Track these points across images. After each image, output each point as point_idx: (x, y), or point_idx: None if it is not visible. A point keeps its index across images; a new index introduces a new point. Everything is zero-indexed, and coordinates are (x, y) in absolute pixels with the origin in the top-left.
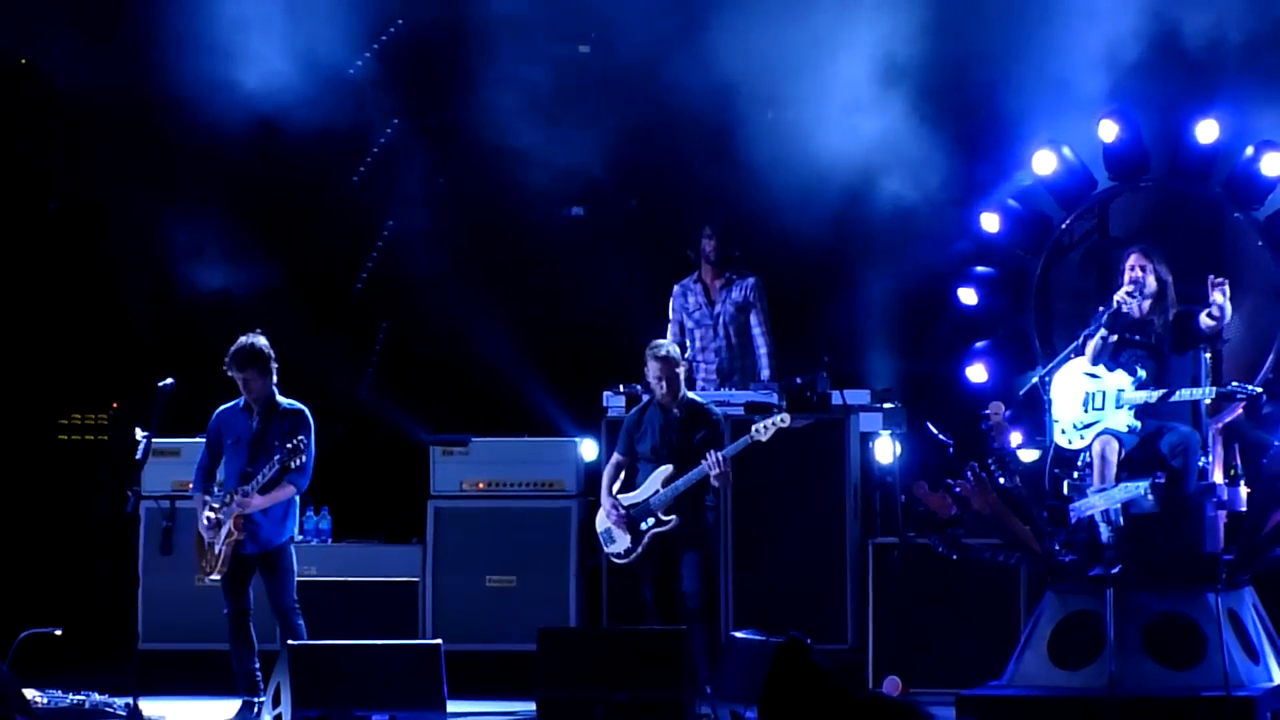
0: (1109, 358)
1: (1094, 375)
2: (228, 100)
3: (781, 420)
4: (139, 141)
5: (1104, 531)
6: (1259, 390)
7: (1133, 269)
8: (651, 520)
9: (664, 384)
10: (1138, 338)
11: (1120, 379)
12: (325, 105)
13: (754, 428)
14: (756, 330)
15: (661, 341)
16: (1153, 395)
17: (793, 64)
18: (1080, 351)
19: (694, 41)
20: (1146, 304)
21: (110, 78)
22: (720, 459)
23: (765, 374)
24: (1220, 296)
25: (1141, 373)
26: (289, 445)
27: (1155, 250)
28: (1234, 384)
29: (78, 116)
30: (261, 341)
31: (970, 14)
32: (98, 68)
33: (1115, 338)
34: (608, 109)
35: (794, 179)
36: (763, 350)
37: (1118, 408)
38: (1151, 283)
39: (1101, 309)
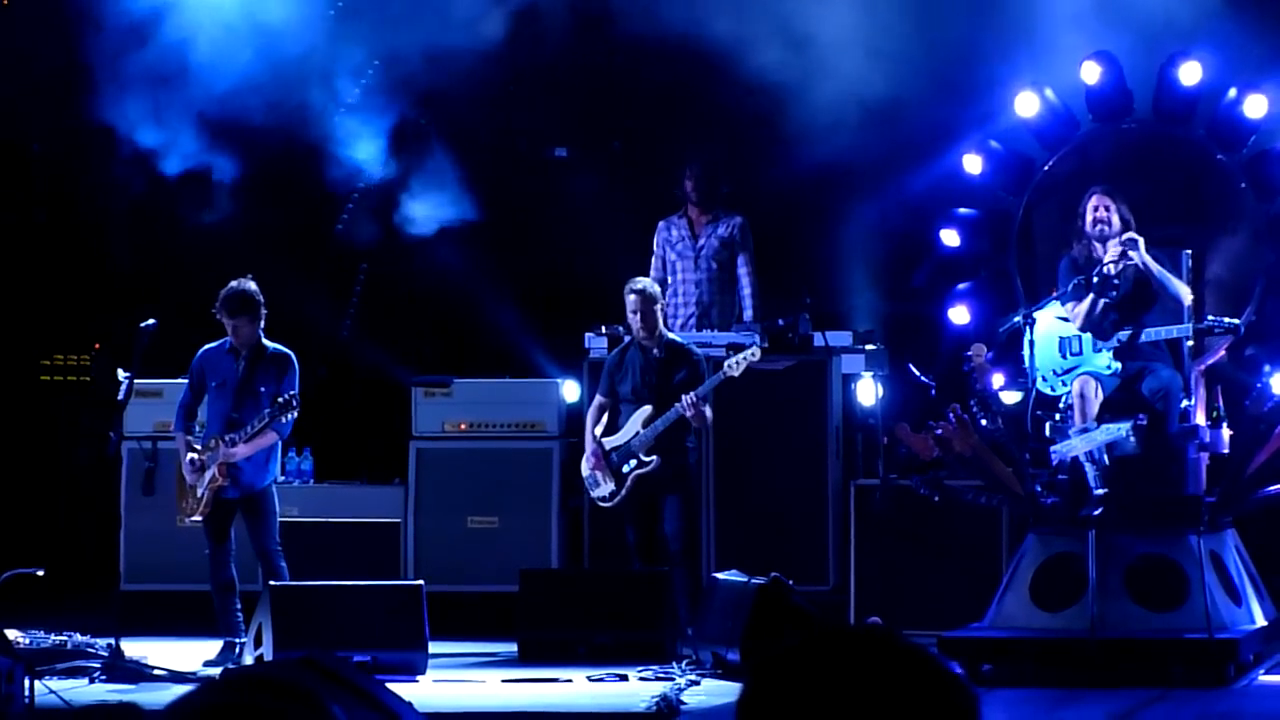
0: (1094, 326)
1: (1068, 319)
2: (208, 38)
3: (752, 355)
4: (123, 80)
5: (1090, 472)
6: (1236, 322)
7: (1096, 209)
8: (633, 462)
9: (639, 318)
10: (1115, 280)
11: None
12: (302, 45)
13: (726, 364)
14: (742, 270)
15: (640, 278)
16: (1123, 334)
17: (776, 6)
18: (1056, 301)
19: None
20: (1111, 244)
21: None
22: (694, 399)
23: (748, 314)
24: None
25: (1123, 333)
26: (280, 400)
27: (1116, 190)
28: (1211, 318)
29: (58, 56)
30: (252, 287)
31: None
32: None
33: (1104, 302)
34: (591, 48)
35: (776, 120)
36: (746, 290)
37: (1095, 351)
38: (1116, 222)
39: (1063, 259)
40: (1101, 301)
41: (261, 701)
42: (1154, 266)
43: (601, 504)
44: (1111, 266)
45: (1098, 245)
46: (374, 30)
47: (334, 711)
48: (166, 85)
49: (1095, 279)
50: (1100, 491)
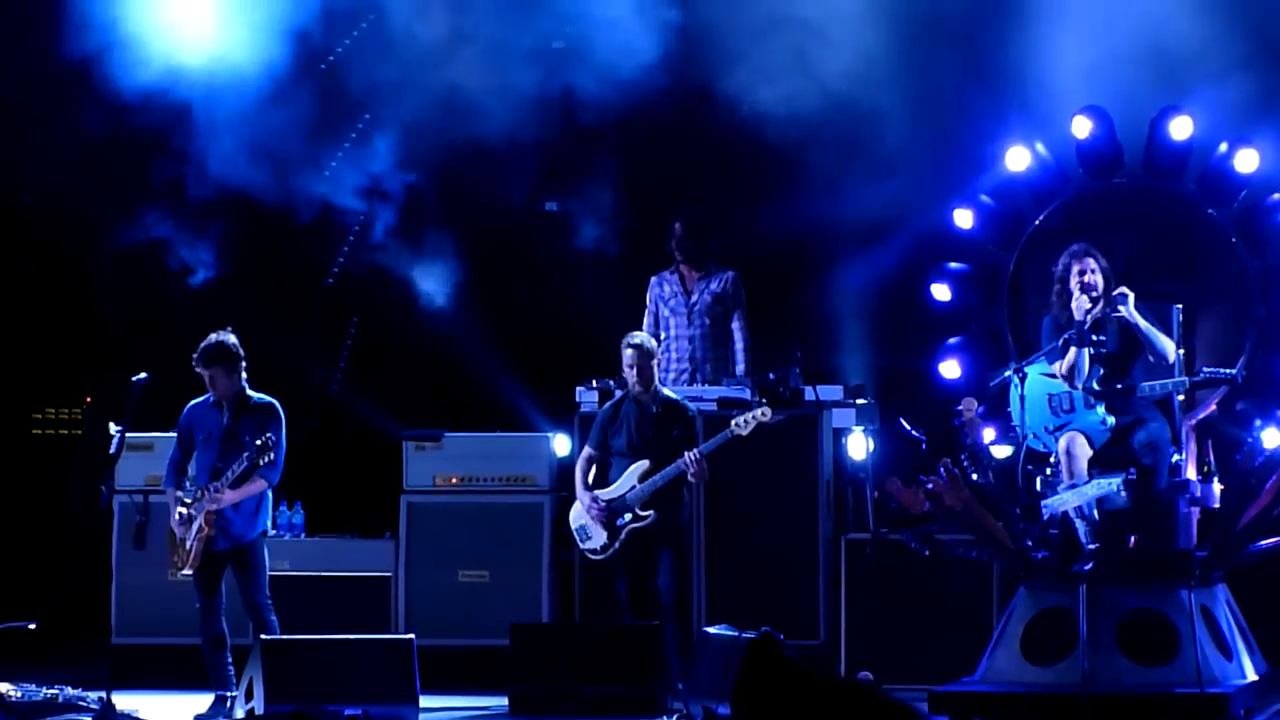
0: (1085, 379)
1: (1054, 376)
2: (193, 89)
3: (762, 414)
4: (108, 138)
5: (1080, 528)
6: (1233, 372)
7: (1082, 274)
8: (629, 516)
9: (635, 372)
10: (1097, 336)
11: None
12: (296, 91)
13: (734, 422)
14: (736, 325)
15: (637, 332)
16: (1112, 390)
17: (766, 58)
18: (1050, 361)
19: (668, 35)
20: (1083, 299)
21: (75, 70)
22: (697, 456)
23: (741, 368)
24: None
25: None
26: (259, 442)
27: (1093, 248)
28: (1206, 370)
29: (46, 111)
30: (230, 339)
31: (943, 10)
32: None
33: (1089, 353)
34: (582, 104)
35: (769, 174)
36: (740, 345)
37: (1088, 409)
38: (1100, 283)
39: (1046, 320)
40: (1086, 352)
41: None
42: (1141, 322)
43: (592, 556)
44: (1089, 319)
45: (1079, 302)
46: (365, 81)
47: None
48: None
49: (1075, 334)
50: (1091, 546)
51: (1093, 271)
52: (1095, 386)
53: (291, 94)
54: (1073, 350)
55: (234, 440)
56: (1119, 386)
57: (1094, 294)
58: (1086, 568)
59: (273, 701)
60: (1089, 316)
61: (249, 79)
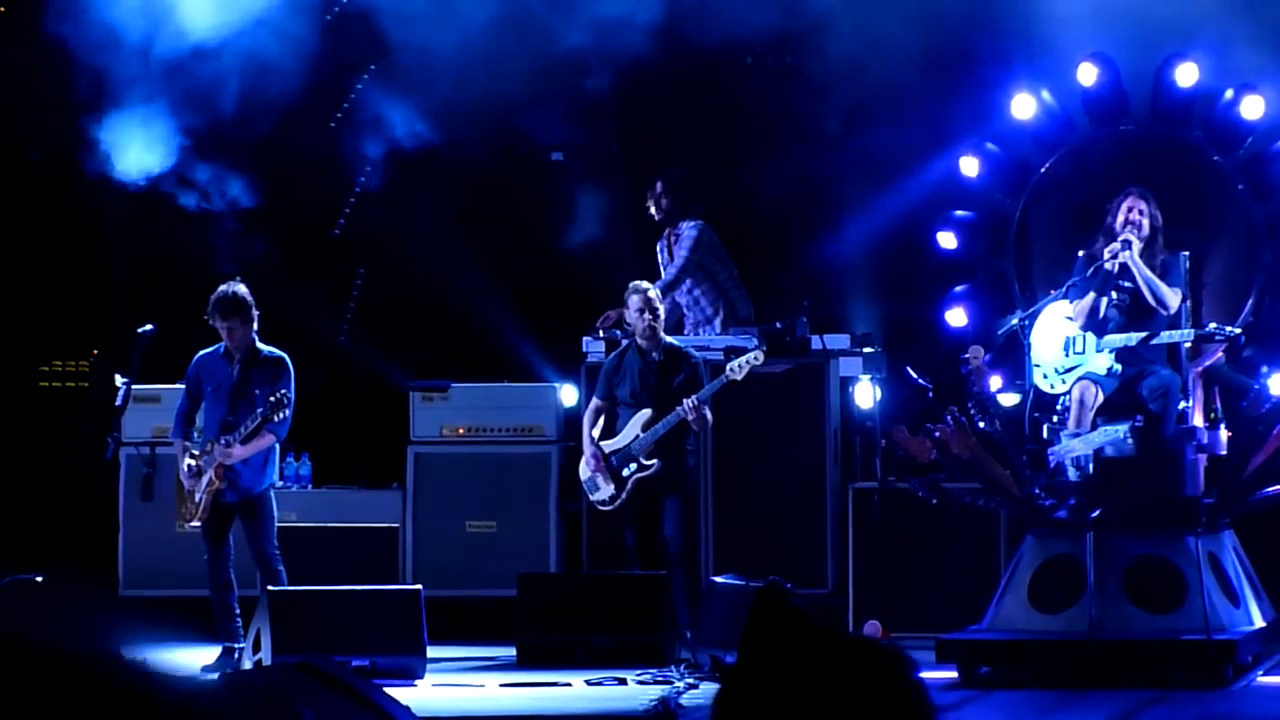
0: (1096, 325)
1: (1074, 318)
2: (203, 48)
3: (755, 358)
4: (119, 88)
5: (1071, 473)
6: (1238, 331)
7: (1130, 211)
8: (634, 466)
9: (645, 316)
10: (1123, 283)
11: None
12: (301, 50)
13: (728, 367)
14: (717, 272)
15: (642, 281)
16: (1133, 338)
17: (775, 9)
18: (1064, 298)
19: None
20: (1138, 247)
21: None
22: (695, 403)
23: (743, 309)
24: (1124, 255)
25: (1131, 337)
26: (272, 398)
27: (1149, 194)
28: (1213, 325)
29: (58, 62)
30: (242, 289)
31: None
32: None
33: (1105, 300)
34: (590, 53)
35: (773, 123)
36: (728, 287)
37: (1098, 351)
38: (1146, 226)
39: (1080, 255)
40: (1104, 300)
41: (239, 703)
42: (1143, 270)
43: (601, 507)
44: (1115, 266)
45: (1124, 253)
46: (369, 34)
47: (304, 715)
48: (163, 98)
49: (1096, 277)
50: (1071, 501)
51: (1140, 212)
52: (1112, 333)
53: (300, 45)
54: (1091, 295)
55: (244, 393)
56: (1137, 335)
57: (1138, 235)
58: (1079, 515)
59: (280, 652)
60: (1115, 263)
61: (260, 27)
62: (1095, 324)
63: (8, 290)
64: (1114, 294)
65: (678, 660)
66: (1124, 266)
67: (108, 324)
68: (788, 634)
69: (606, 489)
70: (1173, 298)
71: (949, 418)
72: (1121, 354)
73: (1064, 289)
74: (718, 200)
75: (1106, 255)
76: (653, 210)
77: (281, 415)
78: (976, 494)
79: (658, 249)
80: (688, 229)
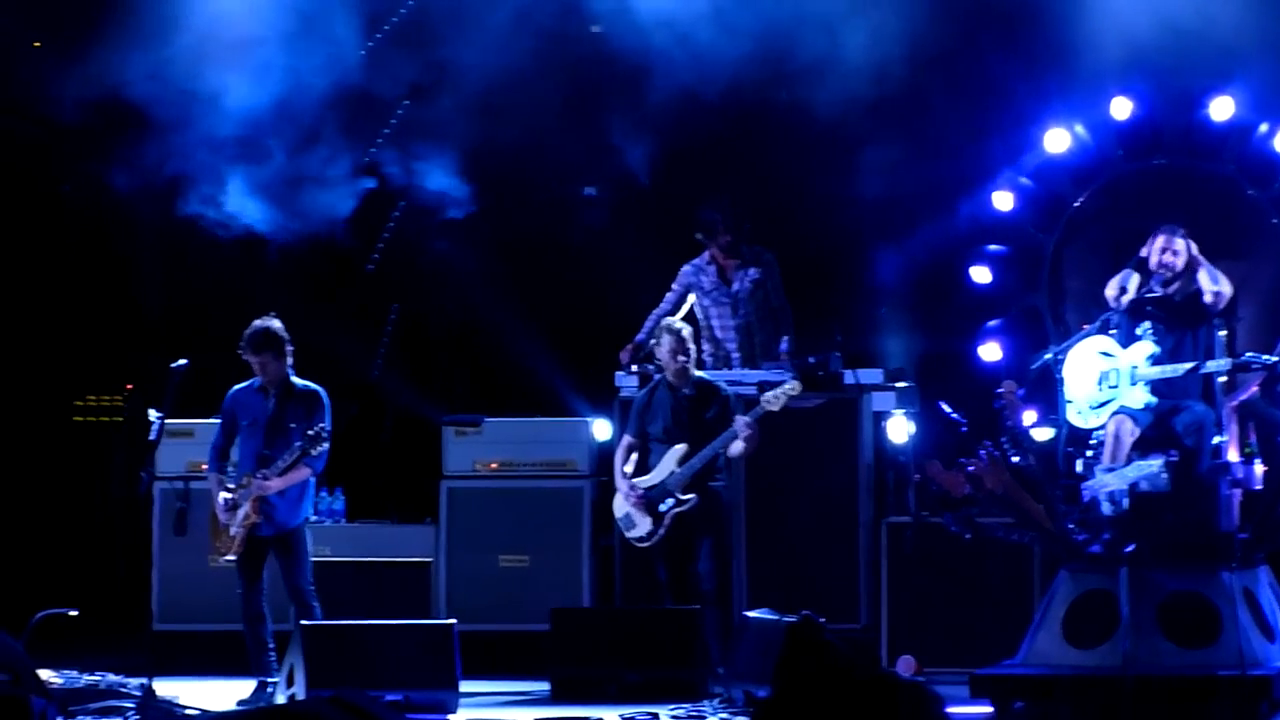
0: (1125, 335)
1: (1108, 354)
2: (237, 85)
3: (791, 389)
4: (150, 127)
5: (1105, 508)
6: (1275, 359)
7: (1164, 251)
8: (670, 501)
9: (679, 359)
10: (1158, 311)
11: (1139, 351)
12: (335, 82)
13: (764, 397)
14: (775, 305)
15: (673, 318)
16: (1167, 370)
17: (806, 43)
18: (1097, 333)
19: (710, 20)
20: (1172, 286)
21: (117, 62)
22: (749, 420)
23: (785, 347)
24: (1205, 279)
25: (1156, 349)
26: (310, 432)
27: (1179, 229)
28: (1249, 354)
29: (88, 100)
30: (276, 324)
31: None
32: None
33: (1147, 290)
34: (621, 88)
35: (807, 157)
36: (782, 324)
37: (1132, 384)
38: (1180, 265)
39: (1115, 293)
40: (1134, 277)
41: None
42: (1223, 282)
43: (638, 544)
44: (1148, 291)
45: (1157, 289)
46: (407, 69)
47: None
48: (196, 128)
49: (1126, 306)
50: (1106, 536)
51: (1174, 253)
52: (1148, 367)
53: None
54: (1136, 275)
55: (280, 427)
56: (1170, 367)
57: (1170, 273)
58: (1112, 550)
59: (314, 687)
60: (1143, 294)
61: (289, 61)
62: (1130, 337)
63: (43, 325)
64: (1156, 324)
65: (711, 695)
66: (1163, 301)
67: (141, 358)
68: (820, 669)
69: (643, 525)
70: (1225, 284)
71: (983, 452)
72: (1156, 388)
73: (1097, 323)
74: (750, 234)
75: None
76: (710, 246)
77: (319, 450)
78: (1010, 529)
79: (687, 275)
80: (768, 261)
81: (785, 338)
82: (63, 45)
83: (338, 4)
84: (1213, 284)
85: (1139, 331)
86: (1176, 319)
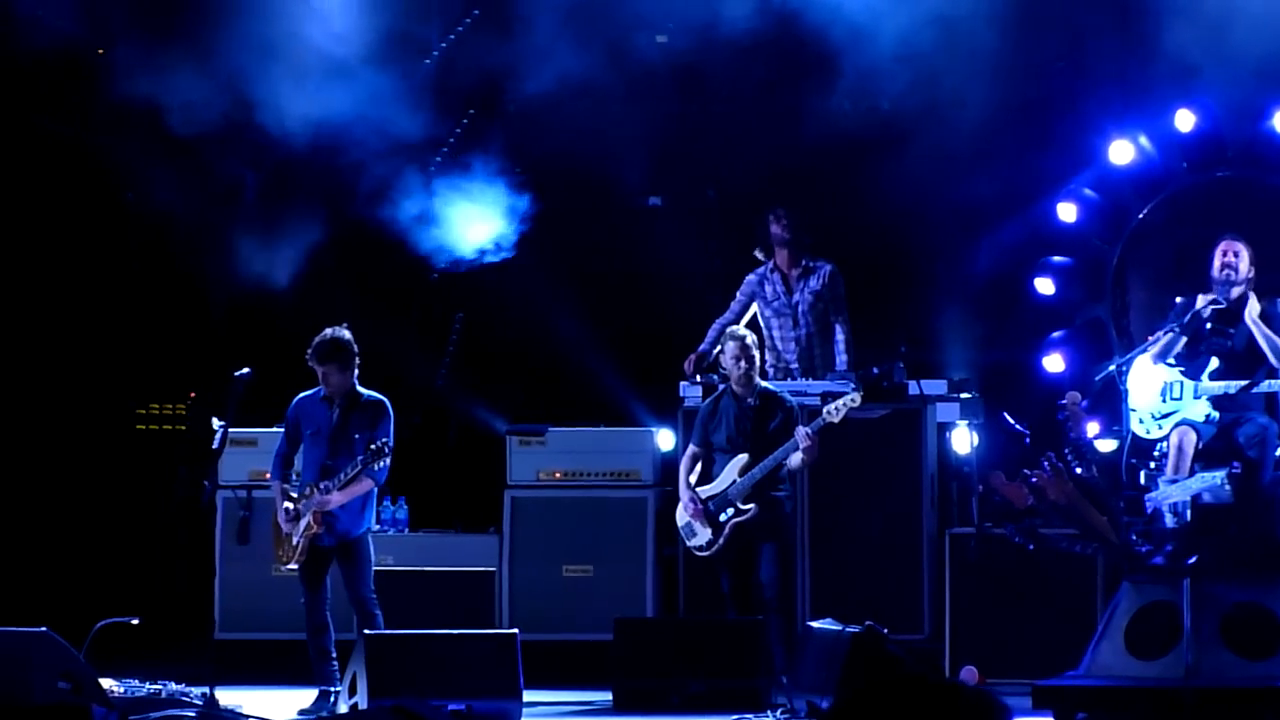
0: (1181, 357)
1: (1173, 365)
2: (297, 98)
3: (851, 401)
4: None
5: (1168, 519)
6: None
7: (1225, 254)
8: (731, 511)
9: (741, 364)
10: (1228, 329)
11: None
12: (399, 101)
13: (825, 409)
14: (836, 320)
15: (739, 327)
16: (1231, 386)
17: (868, 53)
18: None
19: (768, 30)
20: (1235, 291)
21: (187, 78)
22: (809, 432)
23: (842, 362)
24: (1245, 314)
25: (1215, 361)
26: (373, 446)
27: (1242, 238)
28: None
29: (154, 109)
30: (345, 335)
31: (1047, 2)
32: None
33: (1185, 339)
34: (685, 98)
35: (871, 168)
36: (840, 338)
37: (1196, 398)
38: (1243, 269)
39: (1179, 300)
40: (1182, 339)
41: None
42: (1264, 329)
43: (698, 553)
44: (1210, 310)
45: (1219, 300)
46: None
47: None
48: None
49: (1186, 319)
50: (1169, 547)
51: (1236, 254)
52: (1208, 380)
53: (398, 87)
54: (1170, 334)
55: (343, 437)
56: (1236, 383)
57: (1232, 278)
58: (1176, 561)
59: (376, 696)
60: (1212, 308)
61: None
62: (1192, 366)
63: (106, 333)
64: (1215, 339)
65: (774, 705)
66: (1225, 313)
67: (205, 367)
68: (884, 679)
69: (704, 534)
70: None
71: (1046, 463)
72: (1219, 400)
73: (1161, 334)
74: (814, 245)
75: (1200, 304)
76: (782, 237)
77: (382, 463)
78: (1073, 540)
79: (751, 284)
80: (830, 274)
81: (842, 353)
82: (128, 53)
83: (415, 16)
84: (1273, 362)
85: (1201, 347)
86: (1238, 334)
